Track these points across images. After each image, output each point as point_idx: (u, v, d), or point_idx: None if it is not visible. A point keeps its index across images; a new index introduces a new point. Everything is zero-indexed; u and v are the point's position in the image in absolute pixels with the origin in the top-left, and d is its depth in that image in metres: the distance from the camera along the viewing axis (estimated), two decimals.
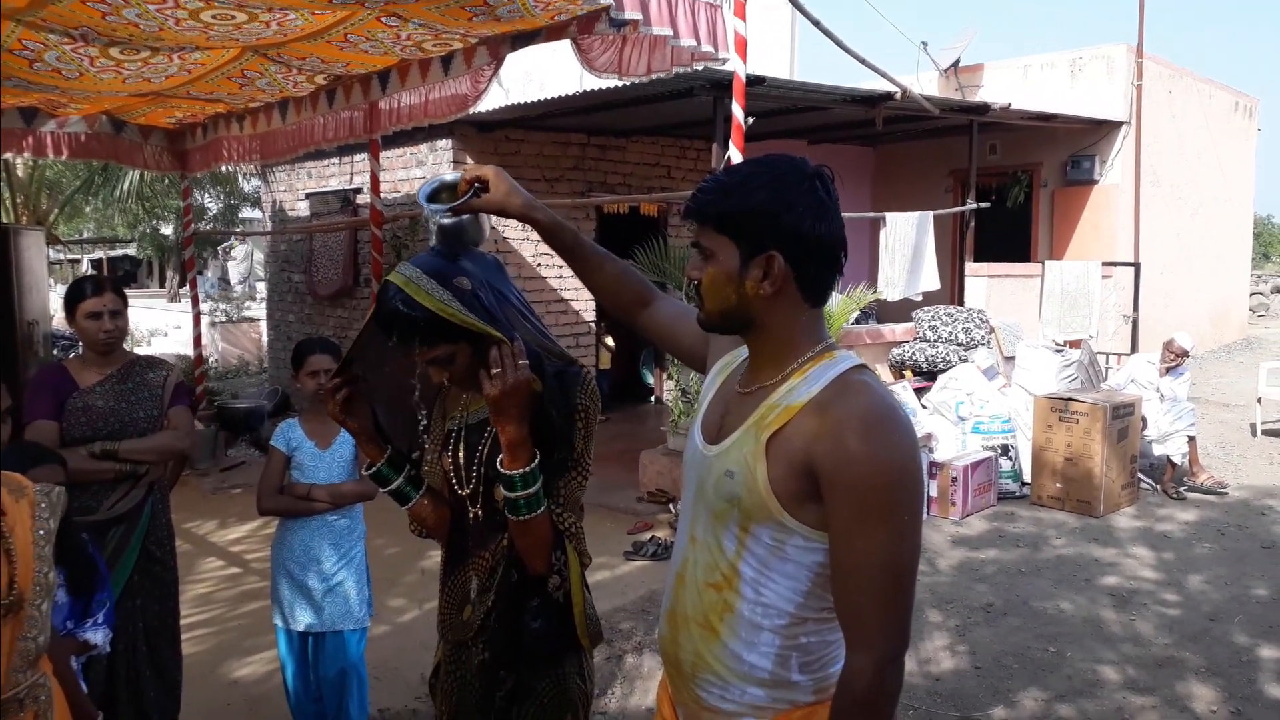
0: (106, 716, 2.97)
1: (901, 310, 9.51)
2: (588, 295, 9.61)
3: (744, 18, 4.36)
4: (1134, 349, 10.10)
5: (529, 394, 1.79)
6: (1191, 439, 7.30)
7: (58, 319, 10.57)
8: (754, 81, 6.32)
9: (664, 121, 9.25)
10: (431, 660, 2.19)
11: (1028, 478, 7.17)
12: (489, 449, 1.93)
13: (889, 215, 8.66)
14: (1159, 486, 7.31)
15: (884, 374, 8.79)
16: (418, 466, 2.08)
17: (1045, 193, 11.93)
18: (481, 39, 4.67)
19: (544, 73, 8.34)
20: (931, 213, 8.97)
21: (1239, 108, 14.51)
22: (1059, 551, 5.91)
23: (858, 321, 9.21)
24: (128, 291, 3.32)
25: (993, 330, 8.88)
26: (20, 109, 6.39)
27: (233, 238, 20.79)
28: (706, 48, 4.02)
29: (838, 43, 6.65)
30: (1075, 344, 8.94)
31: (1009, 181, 12.00)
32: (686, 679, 1.63)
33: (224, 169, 13.70)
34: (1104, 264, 10.13)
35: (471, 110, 5.48)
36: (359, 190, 9.99)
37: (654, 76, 4.32)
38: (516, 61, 5.49)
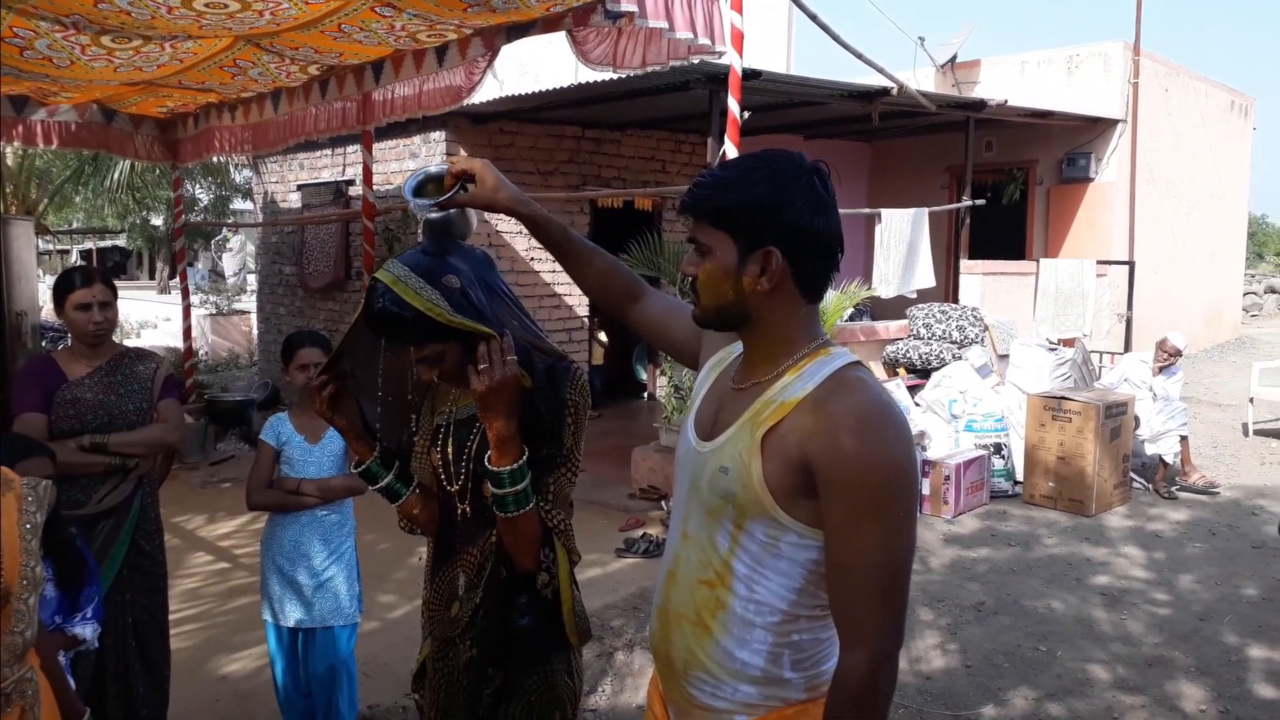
0: (95, 712, 2.95)
1: (896, 307, 9.52)
2: (580, 290, 9.59)
3: (740, 11, 4.34)
4: (1128, 348, 10.13)
5: (517, 389, 1.77)
6: (1184, 438, 7.31)
7: (46, 310, 10.51)
8: (750, 75, 6.30)
9: (659, 115, 9.23)
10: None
11: (1020, 476, 7.17)
12: (478, 445, 1.92)
13: (884, 211, 8.66)
14: (1151, 486, 7.32)
15: (877, 371, 8.79)
16: (407, 463, 2.06)
17: (1041, 190, 11.95)
18: (476, 30, 4.64)
19: (539, 65, 8.31)
20: (927, 209, 8.97)
21: (1235, 106, 14.54)
22: (1050, 550, 5.91)
23: (852, 318, 9.21)
24: (117, 283, 3.30)
25: (987, 328, 8.88)
26: (10, 97, 6.34)
27: (227, 230, 20.69)
28: (703, 41, 4.00)
29: (834, 37, 6.63)
30: (1069, 342, 8.95)
31: (1005, 178, 12.01)
32: (678, 676, 1.62)
33: (215, 159, 13.59)
34: (1099, 262, 10.14)
35: (466, 102, 5.45)
36: (351, 182, 9.95)
37: (649, 69, 4.30)
38: (511, 53, 5.46)
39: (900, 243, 8.63)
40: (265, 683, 3.71)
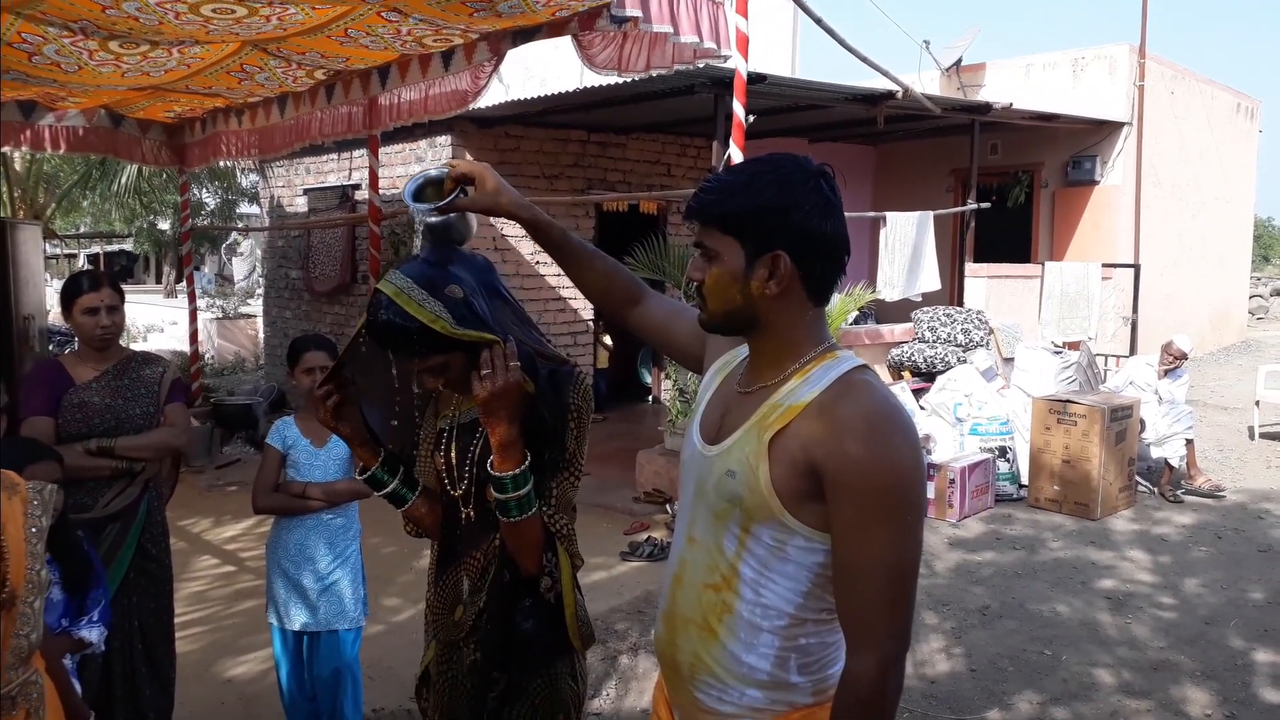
0: (102, 715, 2.97)
1: (900, 310, 9.50)
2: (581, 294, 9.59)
3: (745, 15, 4.34)
4: (1133, 351, 10.10)
5: (520, 395, 1.77)
6: (1189, 442, 7.29)
7: (54, 314, 10.55)
8: (755, 79, 6.30)
9: (665, 119, 9.23)
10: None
11: (1025, 480, 7.16)
12: (481, 449, 1.92)
13: (889, 215, 8.65)
14: (1156, 489, 7.31)
15: (883, 374, 8.77)
16: (411, 467, 2.06)
17: (1046, 193, 11.92)
18: (482, 34, 4.65)
19: (544, 69, 8.33)
20: (932, 213, 8.96)
21: (1241, 109, 14.51)
22: (1056, 554, 5.90)
23: (856, 322, 9.19)
24: (124, 287, 3.30)
25: (992, 331, 8.87)
26: (19, 102, 6.36)
27: (237, 234, 20.75)
28: (708, 45, 4.00)
29: (840, 41, 6.62)
30: (1074, 346, 8.94)
31: (1010, 181, 12.00)
32: (684, 680, 1.62)
33: (222, 164, 13.65)
34: (1104, 265, 10.12)
35: (471, 106, 5.46)
36: (357, 186, 9.97)
37: (654, 73, 4.30)
38: (517, 57, 5.47)
39: (905, 246, 8.62)
40: (270, 686, 3.71)
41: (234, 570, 5.53)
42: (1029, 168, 11.94)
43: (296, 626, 3.23)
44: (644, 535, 6.00)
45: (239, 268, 25.20)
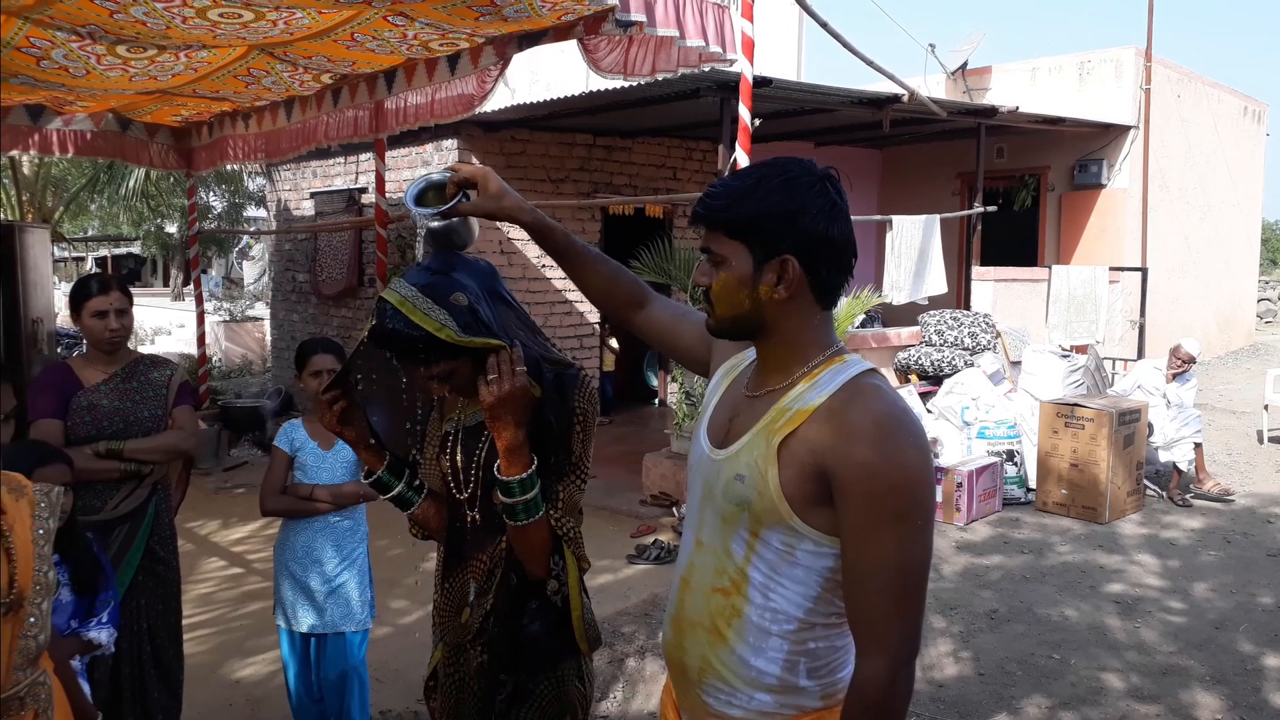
0: (110, 716, 2.97)
1: (907, 314, 9.49)
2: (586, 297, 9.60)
3: (751, 19, 4.35)
4: (1141, 355, 10.08)
5: (526, 399, 1.78)
6: (1198, 445, 7.26)
7: (62, 317, 10.59)
8: (761, 83, 6.30)
9: (670, 122, 9.24)
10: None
11: (1033, 483, 7.14)
12: (486, 453, 1.92)
13: (895, 218, 8.64)
14: (1165, 493, 7.28)
15: (889, 378, 8.76)
16: (417, 471, 2.07)
17: (1052, 196, 11.91)
18: (488, 39, 4.65)
19: (550, 73, 8.34)
20: (938, 216, 8.95)
21: (1248, 112, 14.47)
22: (1064, 558, 5.88)
23: (863, 325, 9.19)
24: (132, 290, 3.32)
25: (999, 335, 8.85)
26: (27, 106, 6.39)
27: (249, 237, 20.80)
28: (714, 48, 4.00)
29: (845, 44, 6.63)
30: (1082, 349, 8.91)
31: (1016, 185, 11.98)
32: (692, 684, 1.62)
33: (229, 167, 13.71)
34: (1111, 269, 10.11)
35: (477, 110, 5.47)
36: (364, 190, 10.00)
37: (659, 77, 4.30)
38: (523, 62, 5.48)
39: (911, 249, 8.61)
40: (278, 688, 3.72)
41: (241, 572, 5.54)
42: (1035, 171, 11.93)
43: (304, 628, 3.24)
44: (650, 538, 6.00)
45: (250, 271, 25.23)
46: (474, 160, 8.86)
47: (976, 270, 9.77)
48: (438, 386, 1.87)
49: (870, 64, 7.25)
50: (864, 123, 9.39)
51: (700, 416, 1.73)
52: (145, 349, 11.46)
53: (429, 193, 1.87)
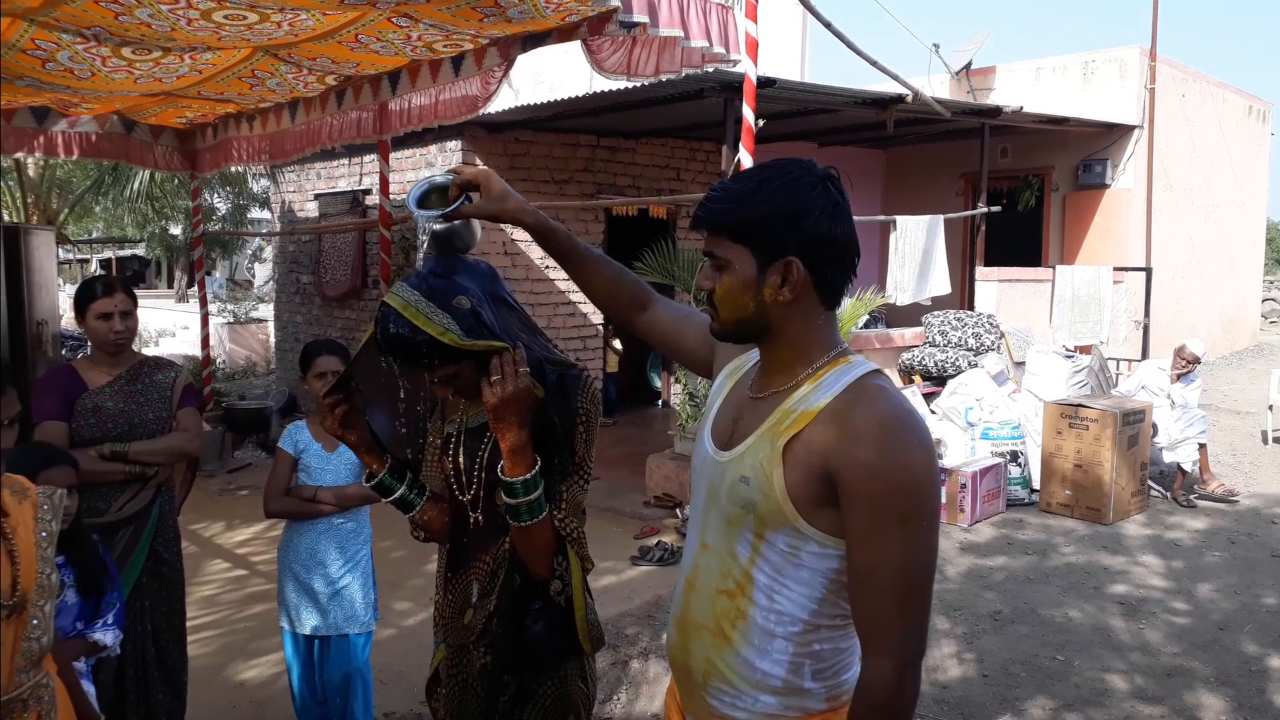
0: (115, 718, 2.98)
1: (911, 314, 9.48)
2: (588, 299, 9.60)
3: (755, 19, 4.34)
4: (1145, 355, 10.06)
5: (529, 400, 1.78)
6: (1202, 446, 7.25)
7: (67, 319, 10.61)
8: (765, 83, 6.30)
9: (674, 123, 9.24)
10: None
11: (1037, 484, 7.13)
12: (489, 454, 1.93)
13: (899, 219, 8.63)
14: (1169, 494, 7.27)
15: (893, 379, 8.74)
16: (419, 473, 2.07)
17: (1057, 197, 11.89)
18: (492, 40, 4.66)
19: (554, 74, 8.34)
20: (942, 216, 8.94)
21: (1253, 112, 14.45)
22: (1068, 559, 5.87)
23: (866, 325, 9.18)
24: (136, 292, 3.32)
25: (1003, 335, 8.84)
26: (32, 108, 6.41)
27: (260, 240, 20.85)
28: (717, 49, 4.00)
29: (849, 45, 6.62)
30: (1086, 350, 8.90)
31: (1020, 185, 11.97)
32: (697, 686, 1.62)
33: (233, 169, 13.73)
34: (1115, 269, 10.09)
35: (481, 111, 5.47)
36: (368, 191, 10.00)
37: (663, 78, 4.30)
38: (527, 63, 5.48)
39: (915, 250, 8.60)
40: (282, 690, 3.73)
41: (245, 574, 5.54)
42: (1039, 171, 11.91)
43: (307, 630, 3.24)
44: (654, 540, 5.99)
45: (262, 273, 25.22)
46: (478, 161, 8.86)
47: (980, 271, 9.76)
48: (442, 389, 1.87)
49: (874, 64, 7.24)
50: (868, 123, 9.39)
51: (704, 418, 1.73)
52: (149, 351, 11.47)
53: (431, 195, 1.87)
